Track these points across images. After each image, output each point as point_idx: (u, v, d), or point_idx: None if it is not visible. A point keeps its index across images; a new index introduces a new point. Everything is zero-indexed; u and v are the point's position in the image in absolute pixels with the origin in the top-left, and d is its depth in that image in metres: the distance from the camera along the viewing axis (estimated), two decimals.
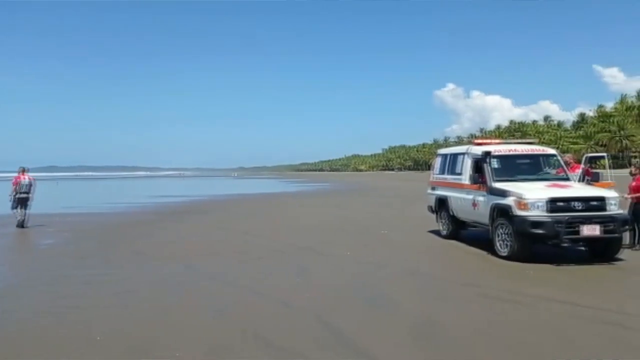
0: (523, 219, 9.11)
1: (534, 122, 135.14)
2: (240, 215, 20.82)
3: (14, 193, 16.19)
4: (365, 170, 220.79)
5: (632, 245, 9.98)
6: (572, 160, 11.52)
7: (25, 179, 16.40)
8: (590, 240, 9.28)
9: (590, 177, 10.58)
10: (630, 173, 10.57)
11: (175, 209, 24.81)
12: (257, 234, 14.02)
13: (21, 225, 15.96)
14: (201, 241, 12.87)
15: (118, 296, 7.38)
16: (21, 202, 16.18)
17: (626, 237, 9.83)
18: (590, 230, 8.87)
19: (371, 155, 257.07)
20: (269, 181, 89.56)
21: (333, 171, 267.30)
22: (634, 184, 10.28)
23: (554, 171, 10.96)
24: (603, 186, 10.19)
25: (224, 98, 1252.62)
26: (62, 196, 41.39)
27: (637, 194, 10.17)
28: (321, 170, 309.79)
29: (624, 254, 9.42)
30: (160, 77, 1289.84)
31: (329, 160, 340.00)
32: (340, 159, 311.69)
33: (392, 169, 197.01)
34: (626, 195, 10.28)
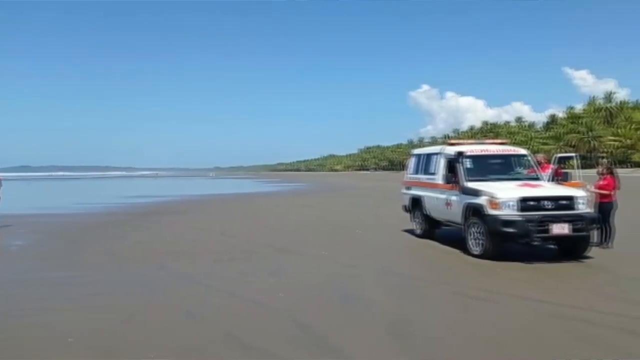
0: (495, 218, 9.24)
1: (507, 123, 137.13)
2: (215, 215, 20.67)
3: None
4: (341, 170, 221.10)
5: (600, 243, 10.19)
6: (544, 160, 11.71)
7: None
8: (559, 239, 9.47)
9: (560, 177, 10.78)
10: (598, 172, 10.79)
11: (149, 209, 24.50)
12: (232, 235, 13.94)
13: None
14: (175, 242, 12.73)
15: (89, 298, 7.26)
16: None
17: (594, 235, 10.05)
18: (560, 229, 9.05)
19: (347, 155, 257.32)
20: (245, 181, 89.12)
21: (309, 171, 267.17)
22: (601, 183, 10.50)
23: (525, 171, 11.13)
24: (572, 186, 10.39)
25: (200, 98, 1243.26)
26: (33, 196, 40.60)
27: (604, 192, 10.39)
28: (297, 170, 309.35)
29: (591, 251, 9.61)
30: (135, 76, 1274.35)
31: (305, 160, 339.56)
32: (316, 159, 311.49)
33: (368, 169, 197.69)
34: (590, 188, 10.54)
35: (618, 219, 10.50)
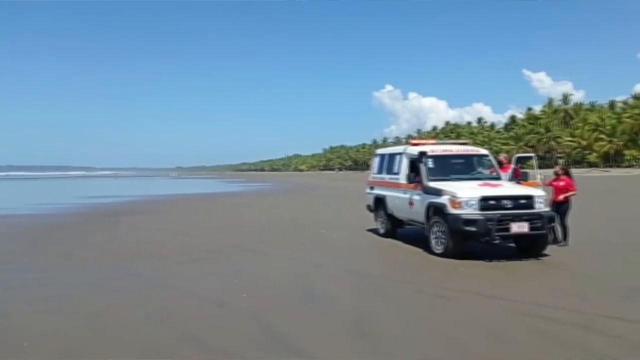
0: (457, 217, 9.39)
1: (469, 123, 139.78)
2: (178, 216, 20.40)
3: None
4: (306, 170, 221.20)
5: (557, 242, 10.47)
6: (506, 160, 11.95)
7: None
8: (519, 237, 9.69)
9: (519, 177, 11.03)
10: (555, 173, 11.05)
11: (110, 209, 24.02)
12: (195, 235, 13.78)
13: None
14: (137, 243, 12.49)
15: (46, 301, 7.06)
16: None
17: (556, 233, 10.37)
18: (519, 227, 9.25)
19: (312, 155, 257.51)
20: (208, 181, 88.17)
21: (274, 171, 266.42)
22: (559, 184, 10.72)
23: (486, 171, 11.34)
24: (531, 185, 10.65)
25: (161, 97, 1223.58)
26: None
27: (565, 194, 10.63)
28: (262, 170, 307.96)
29: (549, 249, 9.86)
30: (95, 75, 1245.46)
31: (269, 160, 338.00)
32: (281, 159, 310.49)
33: (333, 169, 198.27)
34: (546, 182, 10.90)
35: (575, 218, 10.80)
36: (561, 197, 10.62)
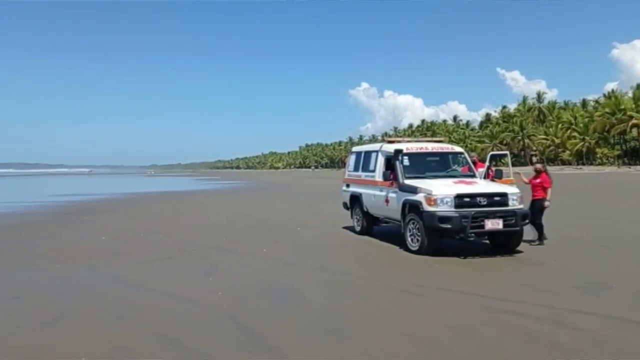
0: (432, 214, 9.41)
1: (444, 121, 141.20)
2: (150, 214, 20.13)
3: None
4: (282, 168, 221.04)
5: (539, 240, 10.52)
6: (477, 159, 12.04)
7: None
8: (493, 234, 9.76)
9: (493, 174, 11.10)
10: (535, 170, 11.05)
11: (82, 207, 23.58)
12: (169, 233, 13.57)
13: None
14: (108, 241, 12.25)
15: (10, 302, 6.88)
16: None
17: (536, 233, 10.53)
18: (494, 224, 9.32)
19: (288, 152, 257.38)
20: (183, 179, 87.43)
21: (249, 168, 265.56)
22: (537, 180, 10.75)
23: (461, 168, 11.41)
24: (505, 183, 10.73)
25: (134, 93, 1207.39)
26: None
27: (547, 189, 10.62)
28: (237, 167, 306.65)
29: (522, 246, 9.95)
30: (68, 70, 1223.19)
31: (245, 158, 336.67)
32: (256, 157, 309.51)
33: (309, 167, 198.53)
34: (525, 180, 10.96)
35: (548, 214, 10.88)
36: (548, 197, 10.57)
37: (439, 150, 11.73)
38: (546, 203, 10.56)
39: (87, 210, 21.58)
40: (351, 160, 13.81)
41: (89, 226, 15.58)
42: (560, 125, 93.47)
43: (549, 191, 10.67)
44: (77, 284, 7.96)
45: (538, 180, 10.78)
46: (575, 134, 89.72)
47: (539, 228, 10.61)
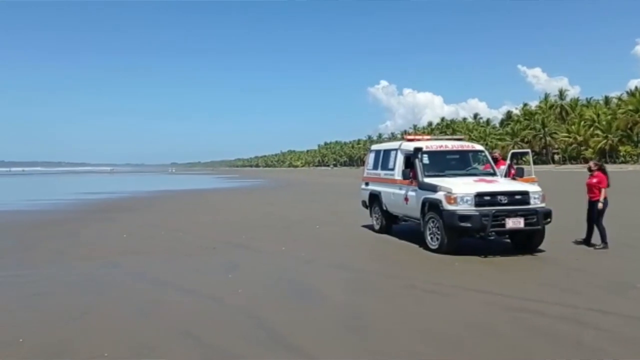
0: (452, 213, 9.35)
1: (464, 119, 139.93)
2: (171, 212, 20.31)
3: None
4: (301, 166, 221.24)
5: (604, 244, 9.97)
6: (500, 156, 11.92)
7: None
8: (514, 233, 9.66)
9: (514, 173, 10.99)
10: (589, 169, 10.59)
11: (103, 206, 23.90)
12: (188, 231, 13.70)
13: None
14: (130, 239, 12.42)
15: (37, 297, 7.01)
16: None
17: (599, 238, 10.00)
18: (515, 223, 9.23)
19: (306, 151, 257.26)
20: (203, 177, 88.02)
21: (268, 167, 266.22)
22: (594, 180, 10.18)
23: (481, 167, 11.31)
24: (526, 181, 10.61)
25: (156, 93, 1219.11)
26: None
27: (597, 193, 10.06)
28: (256, 166, 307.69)
29: (543, 245, 9.82)
30: (90, 70, 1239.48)
31: (264, 156, 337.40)
32: (275, 155, 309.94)
33: (327, 165, 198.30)
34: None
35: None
36: (601, 198, 9.98)
37: (459, 149, 11.65)
38: (599, 205, 9.97)
39: (109, 208, 21.87)
40: (370, 158, 13.77)
41: (111, 224, 15.80)
42: (582, 123, 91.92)
43: (603, 191, 10.03)
44: (101, 280, 8.08)
45: (594, 180, 10.16)
46: (598, 131, 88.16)
47: (602, 231, 10.02)
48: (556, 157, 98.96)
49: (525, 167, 11.52)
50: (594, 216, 10.10)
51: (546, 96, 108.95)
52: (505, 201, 9.40)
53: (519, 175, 10.90)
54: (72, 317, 6.07)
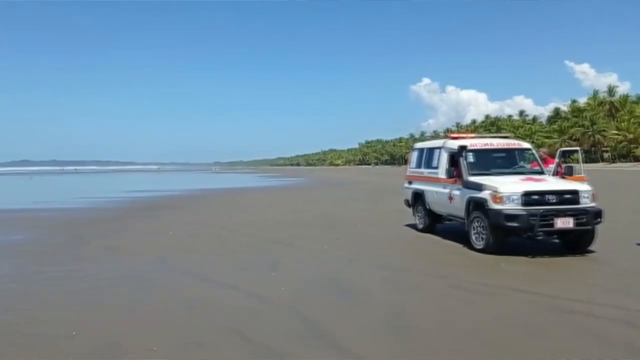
0: (498, 212, 9.17)
1: (510, 116, 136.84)
2: (215, 210, 20.64)
3: None
4: (342, 165, 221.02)
5: None
6: (546, 155, 11.64)
7: None
8: (563, 233, 9.40)
9: (563, 171, 10.71)
10: None
11: (151, 203, 24.48)
12: (232, 229, 13.90)
13: None
14: (174, 236, 12.70)
15: (89, 292, 7.25)
16: None
17: None
18: (564, 223, 8.98)
19: (347, 149, 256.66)
20: (245, 176, 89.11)
21: (309, 165, 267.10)
22: None
23: (528, 165, 11.06)
24: (576, 180, 10.32)
25: (200, 93, 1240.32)
26: (35, 191, 40.59)
27: None
28: (297, 164, 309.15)
29: (594, 245, 9.53)
30: (135, 71, 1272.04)
31: (305, 155, 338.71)
32: (316, 153, 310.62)
33: (369, 164, 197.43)
34: None
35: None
36: None
37: (505, 147, 11.40)
38: None
39: (155, 206, 22.40)
40: (413, 156, 13.65)
41: (158, 221, 16.19)
42: (633, 120, 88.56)
43: None
44: (149, 275, 8.30)
45: None
46: None
47: None
48: (605, 155, 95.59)
49: (574, 165, 11.22)
50: None
51: (595, 92, 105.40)
52: (554, 200, 9.16)
53: (567, 173, 10.63)
54: (122, 311, 6.26)
